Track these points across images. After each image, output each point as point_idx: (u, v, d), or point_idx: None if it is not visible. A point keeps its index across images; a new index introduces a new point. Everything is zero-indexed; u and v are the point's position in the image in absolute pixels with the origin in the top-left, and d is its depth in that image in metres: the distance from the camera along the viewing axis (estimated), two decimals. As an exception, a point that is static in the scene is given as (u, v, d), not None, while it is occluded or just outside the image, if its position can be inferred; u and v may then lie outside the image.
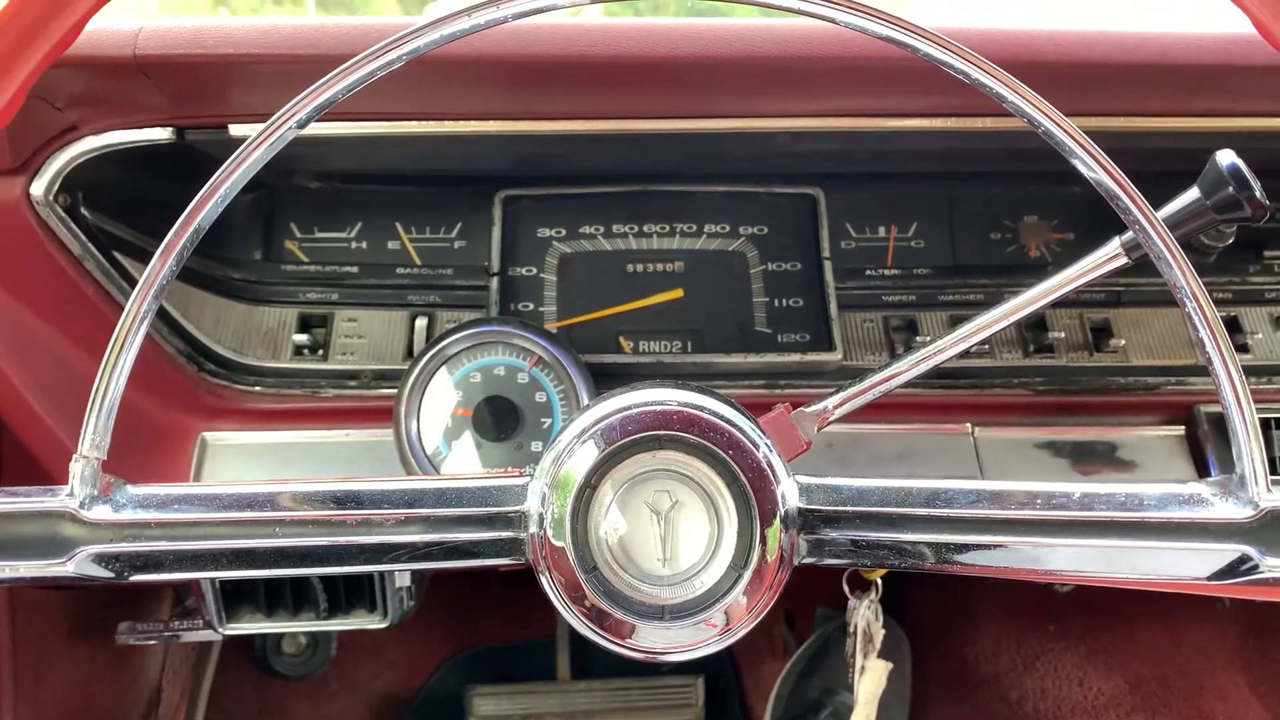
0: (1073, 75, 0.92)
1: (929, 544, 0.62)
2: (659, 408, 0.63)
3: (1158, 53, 0.91)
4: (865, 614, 1.19)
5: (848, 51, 0.87)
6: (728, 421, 0.63)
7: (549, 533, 0.62)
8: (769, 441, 0.64)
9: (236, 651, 1.86)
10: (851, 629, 1.20)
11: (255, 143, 0.60)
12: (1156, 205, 0.63)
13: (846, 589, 1.19)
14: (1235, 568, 0.58)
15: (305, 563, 0.62)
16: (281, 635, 1.84)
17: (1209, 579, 0.58)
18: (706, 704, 1.89)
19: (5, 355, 1.02)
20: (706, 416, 0.63)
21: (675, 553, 0.62)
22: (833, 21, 0.59)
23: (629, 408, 0.64)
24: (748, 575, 0.61)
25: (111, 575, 0.59)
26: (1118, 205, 0.59)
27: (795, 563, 0.63)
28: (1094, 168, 0.59)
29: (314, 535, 0.61)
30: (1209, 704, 1.80)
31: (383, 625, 1.21)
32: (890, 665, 1.20)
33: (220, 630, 1.19)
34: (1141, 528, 0.59)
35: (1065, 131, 0.58)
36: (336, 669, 1.90)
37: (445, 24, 0.59)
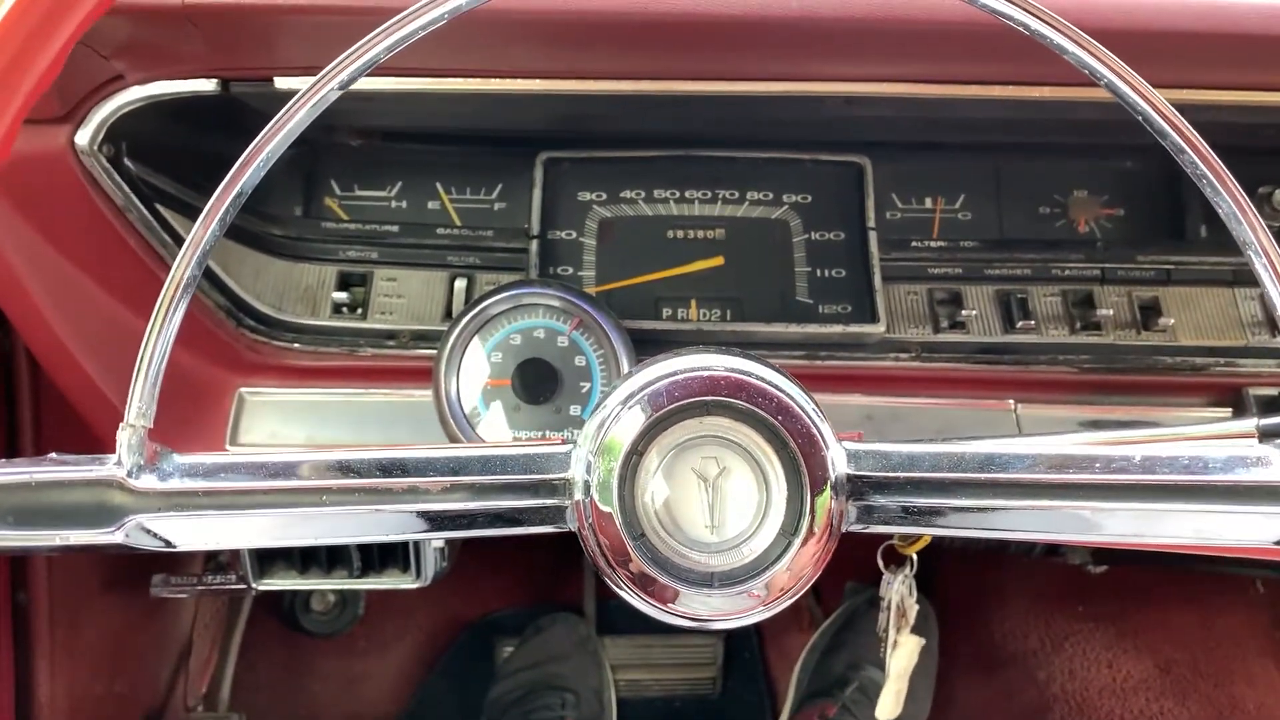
0: (1139, 43, 0.89)
1: (982, 509, 0.61)
2: (707, 373, 0.62)
3: (1228, 21, 0.88)
4: (900, 589, 1.18)
5: (908, 14, 0.85)
6: (776, 387, 0.62)
7: (596, 499, 0.61)
8: (816, 408, 0.63)
9: (266, 608, 1.88)
10: (885, 603, 1.20)
11: (298, 104, 0.59)
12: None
13: (881, 563, 1.19)
14: (1303, 531, 0.56)
15: (351, 531, 0.61)
16: (310, 593, 1.86)
17: (1276, 543, 0.57)
18: (725, 663, 1.92)
19: (48, 305, 1.03)
20: (755, 382, 0.62)
21: (723, 519, 0.61)
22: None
23: (676, 373, 0.62)
24: (798, 542, 0.60)
25: (161, 544, 0.59)
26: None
27: (844, 529, 0.62)
28: (1171, 134, 0.57)
29: (361, 503, 0.60)
30: (1239, 689, 1.78)
31: (415, 585, 1.22)
32: (923, 641, 1.20)
33: (254, 586, 1.20)
34: (1206, 491, 0.57)
35: (1137, 90, 0.56)
36: (364, 628, 1.92)
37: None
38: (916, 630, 1.22)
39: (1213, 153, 0.57)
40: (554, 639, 1.86)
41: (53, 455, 0.60)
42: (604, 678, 1.83)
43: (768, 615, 0.62)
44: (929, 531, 0.62)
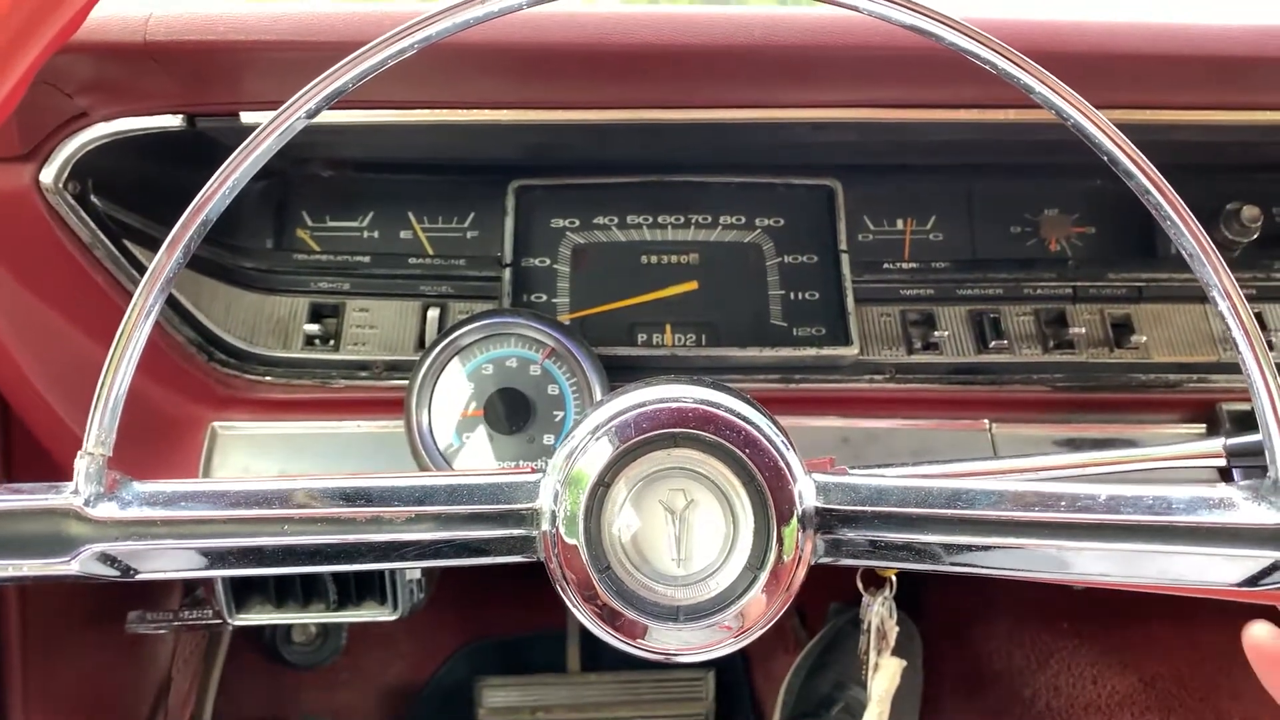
0: (1098, 67, 0.90)
1: (949, 545, 0.61)
2: (674, 405, 0.62)
3: (1185, 44, 0.89)
4: (879, 611, 1.18)
5: (871, 41, 0.86)
6: (744, 419, 0.62)
7: (561, 530, 0.61)
8: (785, 440, 0.63)
9: (246, 641, 1.86)
10: (865, 626, 1.19)
11: (264, 134, 0.59)
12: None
13: (860, 585, 1.18)
14: (1267, 574, 0.56)
15: (315, 560, 0.61)
16: (291, 625, 1.84)
17: (1238, 585, 0.57)
18: (717, 696, 1.89)
19: (15, 343, 1.02)
20: (723, 414, 0.62)
21: (690, 552, 0.61)
22: (857, 10, 0.57)
23: (644, 404, 0.62)
24: (764, 576, 0.60)
25: (117, 574, 0.58)
26: (1161, 215, 0.57)
27: (812, 562, 0.62)
28: (1136, 174, 0.57)
29: (323, 533, 0.60)
30: (1224, 704, 1.78)
31: (392, 618, 1.21)
32: (904, 663, 1.19)
33: (230, 621, 1.19)
34: (1169, 532, 0.57)
35: (1101, 129, 0.57)
36: (346, 659, 1.90)
37: (458, 11, 0.58)
38: (899, 651, 1.21)
39: (1176, 195, 0.57)
40: None
41: (7, 485, 0.59)
42: None
43: (737, 648, 0.61)
44: (896, 566, 0.62)
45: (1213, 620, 1.91)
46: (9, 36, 0.57)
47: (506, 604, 1.97)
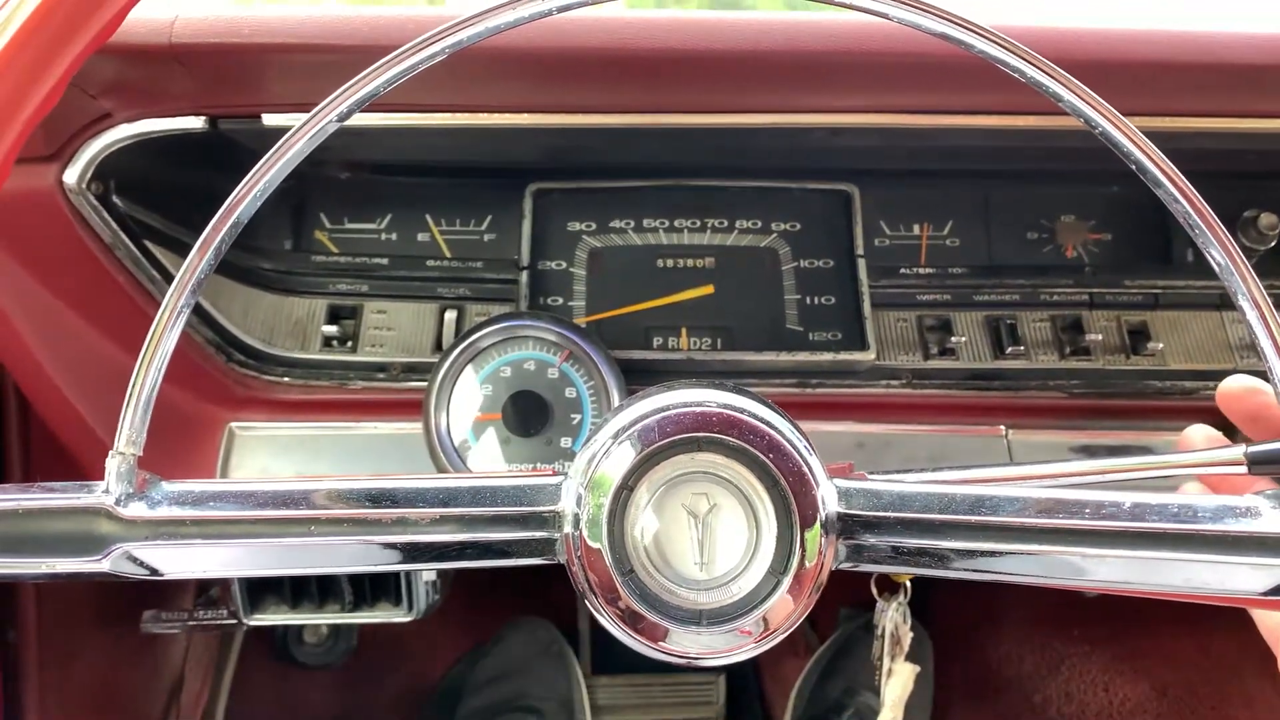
0: (1119, 73, 0.90)
1: (971, 551, 0.60)
2: (698, 409, 0.62)
3: (1208, 52, 0.89)
4: (894, 616, 1.17)
5: (894, 47, 0.86)
6: (768, 424, 0.62)
7: (585, 534, 0.61)
8: (808, 445, 0.63)
9: (258, 641, 1.86)
10: (879, 631, 1.19)
11: (296, 136, 0.59)
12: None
13: (875, 591, 1.18)
14: (1294, 583, 0.56)
15: (340, 561, 0.61)
16: (303, 625, 1.84)
17: (1264, 594, 0.57)
18: (727, 701, 1.88)
19: (37, 343, 1.02)
20: (747, 419, 0.62)
21: (713, 556, 0.61)
22: (887, 18, 0.57)
23: (667, 408, 0.62)
24: (787, 581, 0.60)
25: (147, 573, 0.58)
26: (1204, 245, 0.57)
27: (834, 567, 0.62)
28: (1164, 182, 0.57)
29: (349, 534, 0.60)
30: (1235, 712, 1.77)
31: (408, 619, 1.21)
32: (918, 668, 1.19)
33: (246, 621, 1.19)
34: (1194, 540, 0.57)
35: (1129, 137, 0.57)
36: (357, 660, 1.91)
37: (491, 16, 0.58)
38: (911, 657, 1.21)
39: (1205, 204, 0.57)
40: (514, 648, 1.82)
41: (41, 484, 0.59)
42: (573, 680, 1.78)
43: (758, 652, 0.61)
44: (918, 572, 0.61)
45: (1225, 628, 1.90)
46: (49, 37, 0.57)
47: (517, 605, 1.98)
